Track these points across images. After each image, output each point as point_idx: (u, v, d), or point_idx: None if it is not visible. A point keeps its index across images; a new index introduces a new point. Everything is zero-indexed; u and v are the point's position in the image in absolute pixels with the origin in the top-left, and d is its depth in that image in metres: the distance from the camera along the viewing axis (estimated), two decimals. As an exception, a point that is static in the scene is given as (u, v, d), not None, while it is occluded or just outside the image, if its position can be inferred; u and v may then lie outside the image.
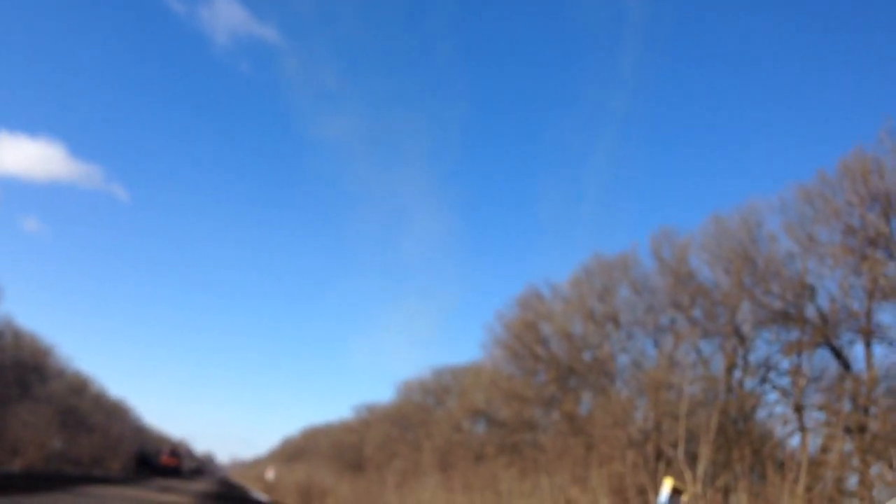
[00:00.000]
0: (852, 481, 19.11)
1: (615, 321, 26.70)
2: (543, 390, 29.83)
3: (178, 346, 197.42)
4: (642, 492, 21.23)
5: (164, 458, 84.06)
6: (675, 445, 21.02)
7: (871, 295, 18.51)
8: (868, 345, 18.88)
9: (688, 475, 19.80)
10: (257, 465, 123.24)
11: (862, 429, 18.23)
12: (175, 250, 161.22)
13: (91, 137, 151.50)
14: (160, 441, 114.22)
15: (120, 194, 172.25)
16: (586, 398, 28.21)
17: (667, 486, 14.33)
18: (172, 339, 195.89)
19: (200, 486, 67.65)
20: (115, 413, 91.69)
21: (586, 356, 27.94)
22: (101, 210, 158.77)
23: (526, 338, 30.09)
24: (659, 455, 22.46)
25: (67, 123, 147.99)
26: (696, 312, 23.24)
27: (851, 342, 19.52)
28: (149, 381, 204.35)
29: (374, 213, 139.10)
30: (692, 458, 20.08)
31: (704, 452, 19.47)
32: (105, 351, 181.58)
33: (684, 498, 14.59)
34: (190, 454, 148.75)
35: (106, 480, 51.97)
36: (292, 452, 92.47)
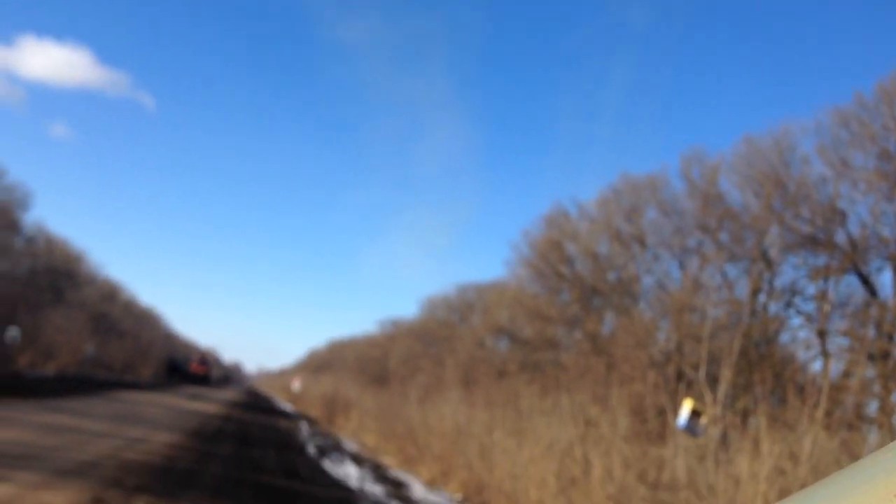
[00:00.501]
0: (872, 407, 19.16)
1: (641, 242, 26.55)
2: (567, 310, 29.92)
3: (206, 256, 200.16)
4: (662, 412, 21.44)
5: (194, 366, 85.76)
6: (696, 367, 21.12)
7: (902, 222, 18.25)
8: (896, 272, 18.68)
9: (708, 397, 19.96)
10: (283, 375, 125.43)
11: (885, 355, 18.17)
12: (200, 160, 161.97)
13: (117, 43, 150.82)
14: (189, 349, 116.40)
15: (147, 102, 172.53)
16: (609, 318, 28.27)
17: (686, 407, 14.38)
18: (199, 249, 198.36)
19: (228, 394, 69.25)
20: (146, 320, 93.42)
21: (611, 277, 27.91)
22: (128, 117, 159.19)
23: (551, 257, 30.06)
24: (680, 377, 22.57)
25: (94, 28, 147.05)
26: (724, 235, 23.03)
27: (880, 269, 19.30)
28: (177, 289, 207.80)
29: (392, 121, 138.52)
30: (713, 381, 20.19)
31: (725, 375, 19.57)
32: (135, 259, 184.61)
33: (703, 419, 14.64)
34: (218, 363, 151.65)
35: (137, 386, 53.32)
36: (318, 364, 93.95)
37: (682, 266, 25.17)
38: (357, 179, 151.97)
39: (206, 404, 42.99)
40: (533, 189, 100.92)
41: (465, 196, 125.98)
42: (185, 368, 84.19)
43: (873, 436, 18.33)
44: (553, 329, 31.10)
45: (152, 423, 25.24)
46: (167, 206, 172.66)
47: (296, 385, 69.03)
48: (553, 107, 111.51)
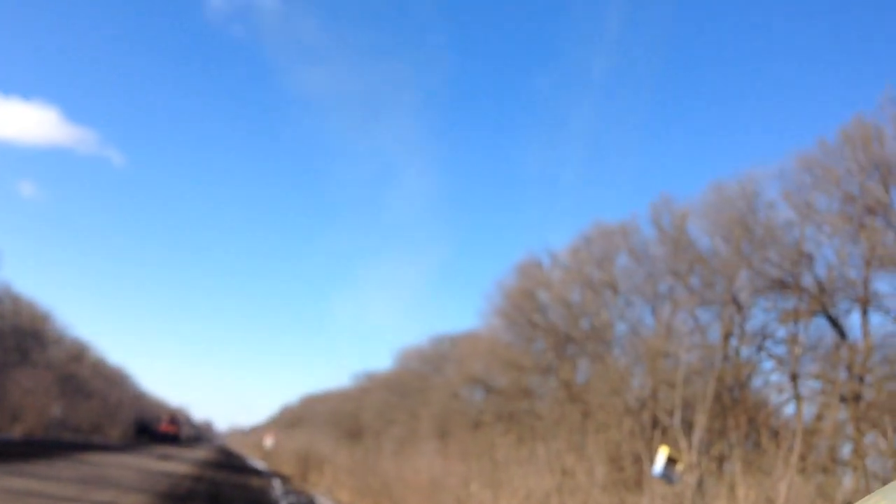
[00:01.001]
0: (846, 450, 19.22)
1: (614, 289, 26.71)
2: (541, 358, 29.92)
3: (176, 313, 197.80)
4: (638, 460, 21.33)
5: (163, 426, 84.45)
6: (671, 413, 21.10)
7: (868, 263, 18.48)
8: (865, 313, 18.87)
9: (683, 443, 19.89)
10: (255, 432, 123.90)
11: (857, 397, 18.29)
12: (170, 214, 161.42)
13: (85, 100, 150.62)
14: (159, 408, 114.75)
15: (115, 158, 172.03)
16: (583, 366, 28.28)
17: (662, 454, 14.36)
18: (170, 306, 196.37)
19: (199, 453, 68.09)
20: (114, 380, 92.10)
21: (584, 324, 27.99)
22: (97, 174, 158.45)
23: (524, 306, 30.12)
24: (655, 423, 22.56)
25: (61, 86, 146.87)
26: (694, 280, 23.24)
27: (848, 311, 19.53)
28: (147, 347, 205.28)
29: (360, 168, 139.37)
30: (688, 427, 20.17)
31: (700, 420, 19.54)
32: (104, 317, 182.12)
33: (679, 466, 14.62)
34: (188, 421, 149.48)
35: (105, 448, 52.29)
36: (290, 420, 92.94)
37: (654, 312, 25.32)
38: (326, 229, 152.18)
39: (177, 464, 42.23)
40: (506, 238, 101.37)
41: (436, 244, 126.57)
42: (155, 428, 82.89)
43: (848, 479, 18.37)
44: (528, 378, 31.04)
45: (121, 485, 24.72)
46: (136, 263, 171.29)
47: (268, 442, 68.10)
48: (522, 154, 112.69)
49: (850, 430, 18.65)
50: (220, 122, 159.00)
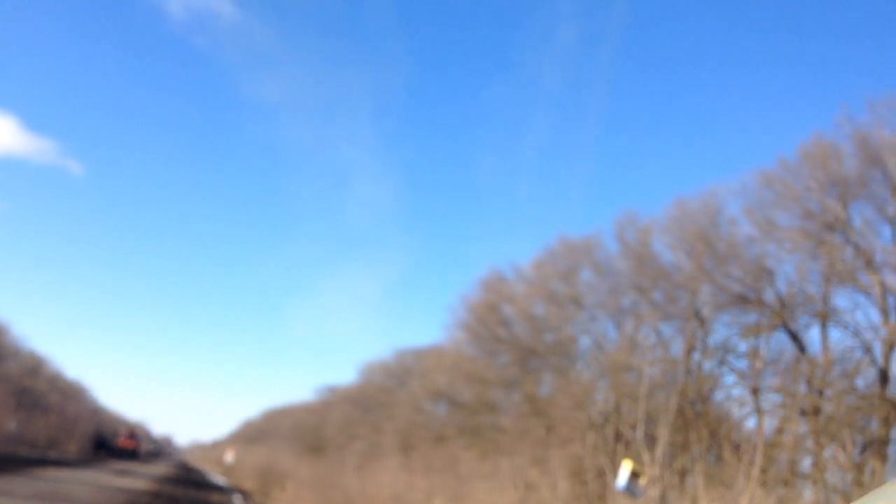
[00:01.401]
0: (806, 463, 19.45)
1: (578, 303, 26.83)
2: (505, 372, 29.93)
3: (137, 326, 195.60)
4: (601, 474, 21.39)
5: (122, 441, 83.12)
6: (634, 427, 21.21)
7: (827, 279, 18.79)
8: (824, 328, 19.17)
9: (646, 457, 19.99)
10: (216, 447, 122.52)
11: (816, 411, 18.52)
12: (128, 225, 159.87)
13: (43, 110, 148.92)
14: (117, 423, 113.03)
15: (74, 168, 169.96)
16: (547, 380, 28.35)
17: (625, 468, 14.43)
18: (130, 319, 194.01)
19: (158, 469, 67.08)
20: (72, 394, 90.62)
21: (548, 338, 28.06)
22: (56, 184, 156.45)
23: (488, 320, 30.14)
24: (618, 437, 22.66)
25: (20, 96, 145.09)
26: (658, 295, 23.43)
27: (808, 325, 19.83)
28: (106, 361, 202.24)
29: (319, 178, 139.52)
30: (651, 440, 20.27)
31: (663, 434, 19.66)
32: (61, 330, 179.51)
33: (642, 480, 14.70)
34: (148, 436, 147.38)
35: (62, 463, 51.31)
36: (252, 434, 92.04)
37: (617, 326, 25.48)
38: (283, 237, 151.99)
39: (135, 480, 41.56)
40: (466, 247, 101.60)
41: (396, 253, 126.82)
42: (113, 443, 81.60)
43: (808, 492, 18.59)
44: (492, 392, 31.03)
45: (77, 502, 24.29)
46: (95, 274, 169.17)
47: (229, 457, 67.38)
48: (479, 164, 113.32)
49: (810, 443, 18.87)
50: (179, 131, 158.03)
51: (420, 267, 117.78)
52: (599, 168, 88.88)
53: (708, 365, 22.50)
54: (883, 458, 17.32)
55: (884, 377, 17.70)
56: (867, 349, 18.37)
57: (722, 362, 22.27)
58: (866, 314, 18.34)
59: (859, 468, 17.48)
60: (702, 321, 22.00)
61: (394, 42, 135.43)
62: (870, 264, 17.51)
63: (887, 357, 17.77)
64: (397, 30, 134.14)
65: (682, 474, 19.92)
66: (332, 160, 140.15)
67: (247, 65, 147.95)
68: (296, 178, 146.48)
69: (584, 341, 26.97)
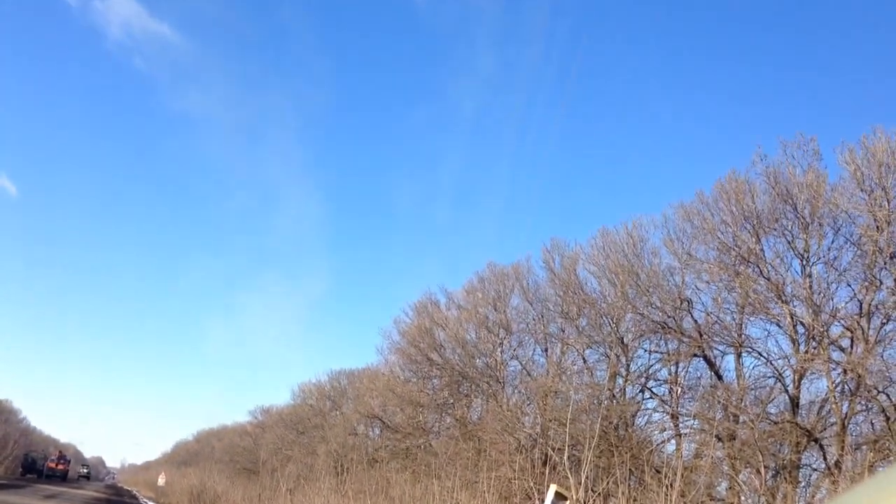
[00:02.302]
0: (722, 486, 20.14)
1: (507, 329, 27.36)
2: (437, 396, 30.30)
3: (69, 346, 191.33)
4: (529, 496, 21.83)
5: (51, 463, 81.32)
6: (560, 451, 21.72)
7: (742, 309, 19.56)
8: (739, 356, 19.93)
9: (572, 480, 20.48)
10: (149, 469, 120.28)
11: (732, 436, 19.21)
12: (63, 245, 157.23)
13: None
14: (48, 444, 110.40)
15: (8, 187, 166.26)
16: (478, 404, 28.79)
17: (551, 491, 14.81)
18: (63, 338, 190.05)
19: (89, 491, 65.78)
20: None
21: (479, 362, 28.52)
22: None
23: (421, 344, 30.50)
24: (545, 460, 23.11)
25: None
26: (583, 322, 24.05)
27: (724, 353, 20.58)
28: (36, 381, 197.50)
29: (244, 195, 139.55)
30: (576, 464, 20.77)
31: (587, 458, 20.19)
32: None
33: (567, 503, 15.08)
34: (79, 458, 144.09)
35: (-13, 485, 50.06)
36: (185, 457, 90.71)
37: (545, 351, 26.07)
38: (208, 254, 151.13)
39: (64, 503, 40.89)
40: (395, 273, 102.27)
41: (322, 273, 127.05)
42: (43, 465, 79.71)
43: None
44: (424, 415, 31.35)
45: (3, 525, 23.93)
46: (30, 294, 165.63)
47: (161, 479, 66.37)
48: (399, 185, 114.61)
49: (726, 467, 19.55)
50: (106, 147, 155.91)
51: (344, 286, 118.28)
52: (515, 196, 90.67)
53: (630, 390, 23.17)
54: (794, 482, 18.02)
55: (794, 404, 18.44)
56: (779, 377, 19.14)
57: (644, 388, 22.96)
58: (778, 343, 19.16)
59: (772, 492, 18.12)
60: (625, 348, 22.67)
61: (319, 64, 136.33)
62: (781, 296, 18.29)
63: (798, 385, 18.54)
64: (323, 52, 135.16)
65: (606, 497, 20.40)
66: (259, 177, 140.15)
67: (175, 81, 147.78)
68: (221, 193, 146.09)
69: (513, 366, 27.54)
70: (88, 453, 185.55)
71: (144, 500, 65.31)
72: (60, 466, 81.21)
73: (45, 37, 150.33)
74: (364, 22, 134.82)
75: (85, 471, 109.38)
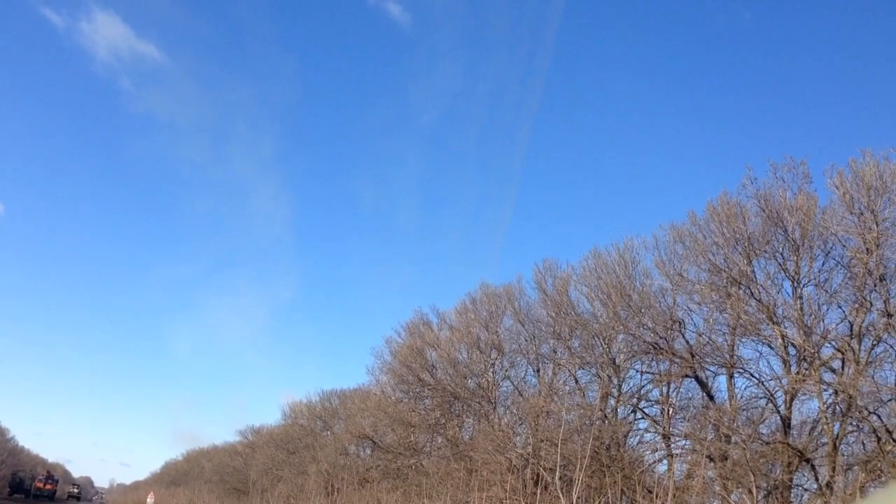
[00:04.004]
0: (714, 506, 20.18)
1: (499, 349, 27.41)
2: (428, 416, 30.27)
3: (57, 363, 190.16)
4: (520, 516, 21.83)
5: (39, 483, 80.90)
6: (552, 471, 21.73)
7: (733, 330, 19.66)
8: (730, 377, 20.02)
9: (563, 500, 20.50)
10: (138, 489, 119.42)
11: (724, 457, 19.27)
12: (48, 261, 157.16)
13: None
14: (36, 464, 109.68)
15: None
16: (469, 424, 28.78)
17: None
18: (52, 358, 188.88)
19: (76, 511, 65.24)
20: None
21: (470, 383, 28.55)
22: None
23: (413, 364, 30.51)
24: (537, 480, 23.11)
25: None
26: (575, 342, 24.13)
27: (716, 374, 20.68)
28: (24, 401, 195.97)
29: (209, 197, 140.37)
30: (568, 484, 20.79)
31: (579, 478, 20.21)
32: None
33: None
34: (67, 478, 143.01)
35: (-26, 505, 49.67)
36: (174, 477, 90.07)
37: (537, 372, 26.10)
38: (172, 257, 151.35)
39: (52, 523, 40.60)
40: (371, 276, 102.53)
41: (290, 277, 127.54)
42: (31, 485, 79.27)
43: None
44: (415, 435, 31.31)
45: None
46: (19, 313, 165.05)
47: (150, 500, 65.96)
48: (361, 189, 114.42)
49: (717, 487, 19.58)
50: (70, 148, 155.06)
51: (313, 289, 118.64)
52: (527, 221, 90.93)
53: (622, 411, 23.23)
54: (786, 502, 18.07)
55: (786, 425, 18.53)
56: (771, 398, 19.23)
57: (635, 408, 23.02)
58: (769, 364, 19.25)
59: (764, 512, 18.20)
60: (617, 368, 22.75)
61: (283, 61, 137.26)
62: (772, 317, 18.40)
63: (789, 405, 18.63)
64: (286, 49, 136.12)
65: (598, 517, 20.42)
66: (226, 178, 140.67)
67: (139, 84, 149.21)
68: (189, 196, 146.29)
69: (505, 386, 27.56)
70: (77, 473, 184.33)
71: (133, 520, 64.81)
72: (48, 486, 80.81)
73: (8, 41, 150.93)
74: (326, 19, 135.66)
75: (76, 490, 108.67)
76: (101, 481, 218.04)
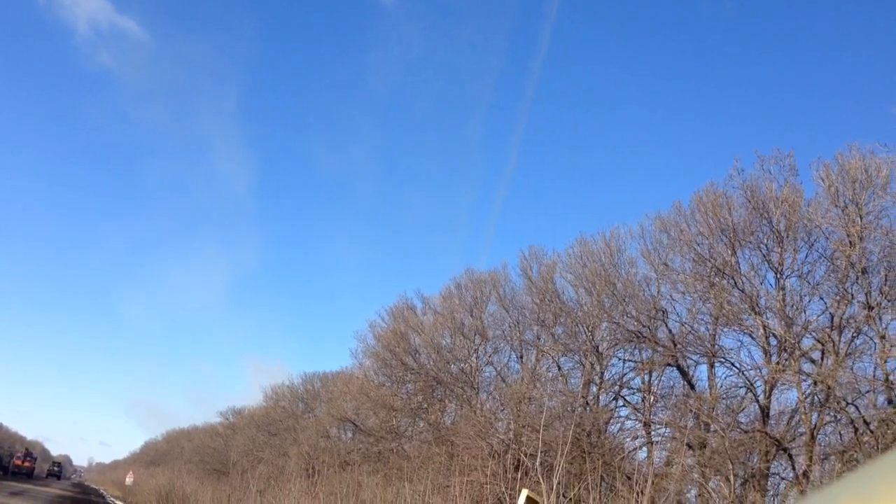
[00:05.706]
0: (692, 494, 20.41)
1: (483, 335, 27.52)
2: (411, 400, 30.38)
3: (36, 342, 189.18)
4: (501, 501, 21.97)
5: (17, 460, 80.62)
6: (533, 456, 21.88)
7: (716, 320, 19.84)
8: (711, 366, 20.23)
9: (543, 486, 20.64)
10: (117, 468, 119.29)
11: (703, 445, 19.48)
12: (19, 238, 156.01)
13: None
14: (14, 441, 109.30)
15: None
16: (451, 409, 28.91)
17: (522, 496, 14.92)
18: (28, 334, 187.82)
19: (55, 490, 65.20)
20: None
21: (453, 368, 28.66)
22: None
23: (396, 348, 30.60)
24: (518, 465, 23.26)
25: None
26: (559, 330, 24.26)
27: (697, 363, 20.87)
28: (3, 378, 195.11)
29: (171, 157, 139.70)
30: (548, 469, 20.93)
31: (559, 464, 20.36)
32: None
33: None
34: (45, 456, 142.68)
35: (-49, 482, 49.48)
36: (154, 456, 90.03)
37: (520, 358, 26.24)
38: (131, 218, 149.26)
39: (30, 502, 40.54)
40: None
41: (252, 240, 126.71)
42: (9, 463, 78.99)
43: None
44: (397, 419, 31.42)
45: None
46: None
47: (129, 479, 65.92)
48: (322, 157, 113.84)
49: (696, 475, 19.81)
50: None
51: (277, 255, 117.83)
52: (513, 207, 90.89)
53: (604, 398, 23.40)
54: (763, 490, 18.30)
55: (765, 414, 18.73)
56: (750, 387, 19.43)
57: (617, 396, 23.21)
58: (750, 354, 19.44)
59: (741, 500, 18.39)
60: (599, 356, 22.90)
61: (241, 15, 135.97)
62: (754, 308, 18.57)
63: (768, 395, 18.84)
64: (248, 9, 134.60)
65: (577, 502, 20.59)
66: (186, 137, 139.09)
67: (98, 41, 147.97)
68: (147, 155, 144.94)
69: (488, 372, 27.70)
70: (55, 451, 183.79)
71: (112, 499, 64.80)
72: (27, 464, 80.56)
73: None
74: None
75: (56, 468, 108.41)
76: (80, 460, 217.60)
